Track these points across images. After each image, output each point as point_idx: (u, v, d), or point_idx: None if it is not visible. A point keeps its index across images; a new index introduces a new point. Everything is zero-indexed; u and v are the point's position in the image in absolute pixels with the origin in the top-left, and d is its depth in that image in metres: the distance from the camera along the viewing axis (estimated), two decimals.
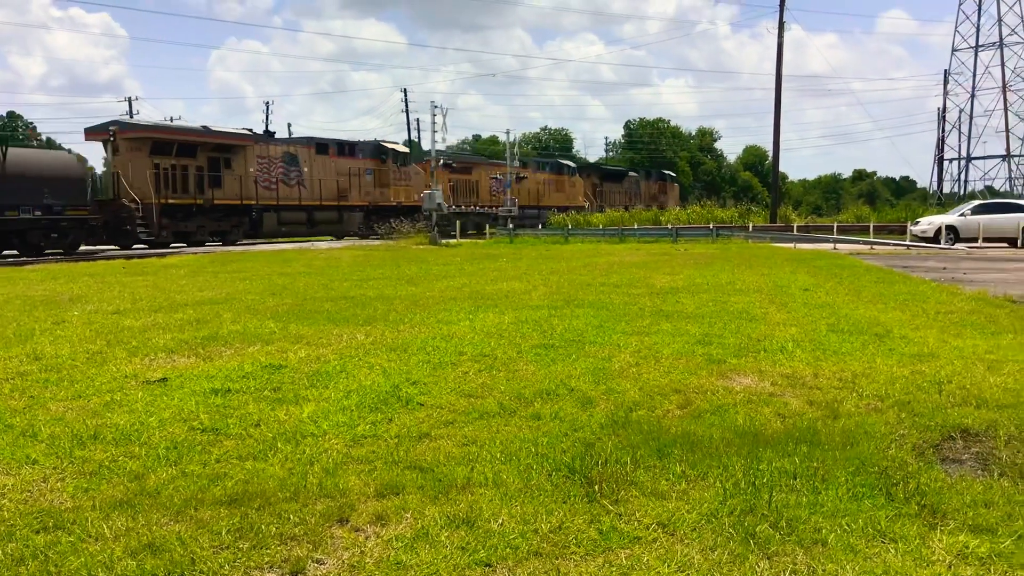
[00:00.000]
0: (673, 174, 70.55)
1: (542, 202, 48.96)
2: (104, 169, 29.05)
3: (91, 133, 29.41)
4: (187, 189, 29.89)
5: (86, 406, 4.91)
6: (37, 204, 24.15)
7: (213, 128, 32.15)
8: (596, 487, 3.41)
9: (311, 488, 3.46)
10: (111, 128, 28.65)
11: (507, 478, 3.55)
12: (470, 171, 44.93)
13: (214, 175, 30.85)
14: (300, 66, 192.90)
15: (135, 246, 28.38)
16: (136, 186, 27.54)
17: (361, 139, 40.24)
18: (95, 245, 28.23)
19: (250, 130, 34.09)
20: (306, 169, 34.75)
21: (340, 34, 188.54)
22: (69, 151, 30.47)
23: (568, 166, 53.22)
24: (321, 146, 36.16)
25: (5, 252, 24.27)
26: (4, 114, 78.01)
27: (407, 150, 43.37)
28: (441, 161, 36.18)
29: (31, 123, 78.07)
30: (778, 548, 2.86)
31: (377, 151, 38.71)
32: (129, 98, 72.57)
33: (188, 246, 29.46)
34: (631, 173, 60.47)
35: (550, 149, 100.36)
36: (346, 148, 37.46)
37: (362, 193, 37.43)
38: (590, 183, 54.27)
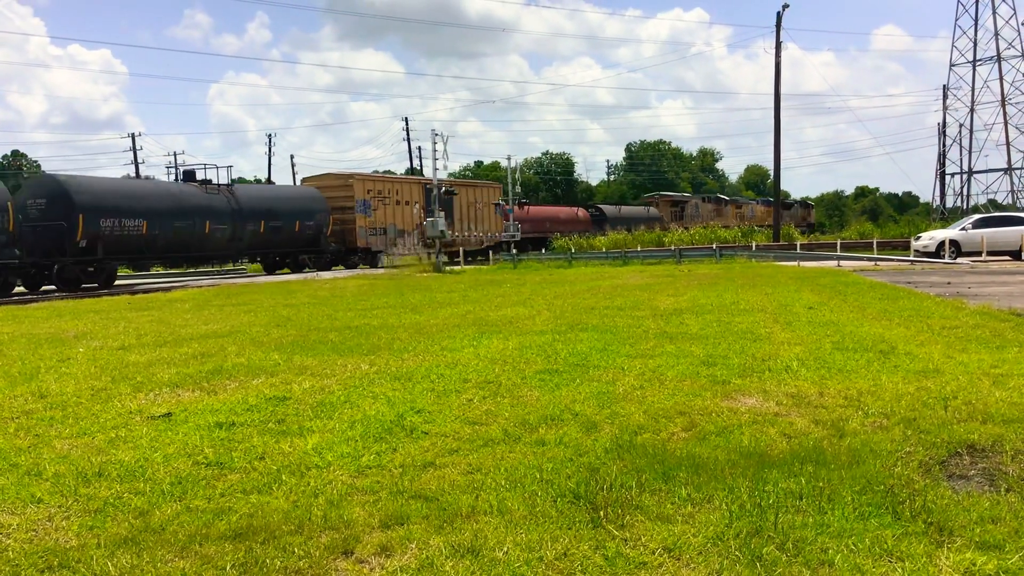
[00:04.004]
0: (811, 203, 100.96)
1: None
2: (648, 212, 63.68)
3: (646, 198, 70.97)
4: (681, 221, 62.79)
5: (91, 443, 4.92)
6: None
7: (674, 193, 75.02)
8: (601, 512, 3.40)
9: (316, 520, 3.45)
10: (655, 197, 67.37)
11: (512, 505, 3.54)
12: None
13: (680, 214, 64.40)
14: (299, 98, 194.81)
15: None
16: (667, 220, 61.41)
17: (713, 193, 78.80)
18: None
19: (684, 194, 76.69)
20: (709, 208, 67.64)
21: (338, 65, 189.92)
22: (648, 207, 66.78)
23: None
24: (706, 199, 69.83)
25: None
26: (9, 153, 78.91)
27: (726, 197, 74.60)
28: (443, 188, 36.49)
29: (35, 161, 78.81)
30: (784, 570, 2.84)
31: (719, 200, 70.73)
32: (132, 134, 73.32)
33: None
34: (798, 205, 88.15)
35: (552, 174, 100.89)
36: (709, 199, 70.32)
37: (724, 221, 63.95)
38: (799, 214, 78.15)
